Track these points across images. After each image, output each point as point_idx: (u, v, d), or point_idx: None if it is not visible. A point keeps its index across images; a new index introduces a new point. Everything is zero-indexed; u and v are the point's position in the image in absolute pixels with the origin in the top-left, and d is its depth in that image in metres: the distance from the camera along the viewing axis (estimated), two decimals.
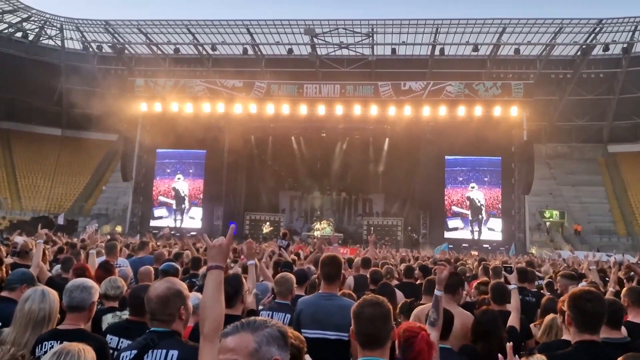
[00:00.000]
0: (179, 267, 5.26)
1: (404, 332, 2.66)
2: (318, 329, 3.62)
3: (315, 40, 38.31)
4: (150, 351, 2.47)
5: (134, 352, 2.51)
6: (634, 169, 40.30)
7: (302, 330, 3.66)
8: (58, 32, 42.76)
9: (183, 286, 2.60)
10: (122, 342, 3.29)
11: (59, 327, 3.00)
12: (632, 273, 6.62)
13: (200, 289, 3.98)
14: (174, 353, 2.46)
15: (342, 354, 3.52)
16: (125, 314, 3.88)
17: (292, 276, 4.64)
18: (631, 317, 4.09)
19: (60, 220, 23.95)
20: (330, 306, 3.69)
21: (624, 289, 4.41)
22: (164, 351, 2.47)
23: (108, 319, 3.83)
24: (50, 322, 2.87)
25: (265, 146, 32.55)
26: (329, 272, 3.89)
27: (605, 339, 3.00)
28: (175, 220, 32.41)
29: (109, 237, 14.35)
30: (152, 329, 2.54)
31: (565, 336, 3.16)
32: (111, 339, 3.33)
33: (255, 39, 39.47)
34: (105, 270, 4.65)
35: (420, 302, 4.86)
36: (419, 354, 2.52)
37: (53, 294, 2.96)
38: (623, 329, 3.85)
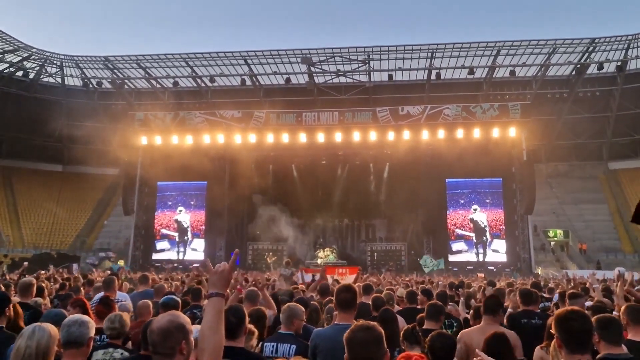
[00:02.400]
0: (179, 299, 5.19)
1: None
2: None
3: (312, 68, 38.76)
4: None
5: None
6: (635, 185, 40.20)
7: None
8: (58, 69, 43.38)
9: (186, 320, 2.53)
10: None
11: None
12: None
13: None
14: None
15: None
16: (119, 352, 3.81)
17: (299, 306, 4.55)
18: (631, 335, 4.03)
19: (75, 270, 23.76)
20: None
21: (622, 308, 4.34)
22: None
23: (98, 355, 3.76)
24: (41, 358, 2.79)
25: (266, 175, 32.60)
26: (345, 299, 3.83)
27: (606, 356, 2.94)
28: (178, 252, 32.28)
29: (109, 272, 14.25)
30: None
31: None
32: None
33: (253, 70, 39.96)
34: (105, 305, 4.60)
35: (424, 327, 4.79)
36: None
37: (46, 329, 2.89)
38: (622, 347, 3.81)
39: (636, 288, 9.97)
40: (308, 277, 10.82)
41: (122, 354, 3.82)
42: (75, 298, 5.07)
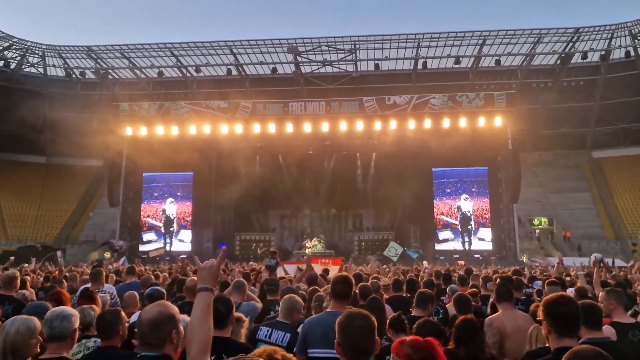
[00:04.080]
0: (164, 290, 5.18)
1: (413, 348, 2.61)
2: (328, 347, 3.53)
3: (298, 58, 38.58)
4: None
5: None
6: (618, 174, 40.83)
7: (310, 350, 3.58)
8: (40, 59, 42.66)
9: (175, 310, 2.53)
10: None
11: (41, 357, 2.93)
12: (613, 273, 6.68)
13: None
14: None
15: None
16: (92, 341, 3.79)
17: (300, 300, 4.57)
18: (616, 317, 4.17)
19: (61, 261, 23.47)
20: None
21: (605, 292, 4.48)
22: None
23: (73, 349, 3.76)
24: (12, 352, 2.76)
25: (252, 165, 32.46)
26: (342, 290, 3.85)
27: (587, 340, 3.00)
28: (164, 243, 32.13)
29: (95, 264, 14.14)
30: (143, 353, 2.43)
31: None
32: None
33: (239, 59, 39.66)
34: (87, 297, 4.58)
35: (412, 314, 4.83)
36: None
37: (16, 322, 2.85)
38: (610, 328, 3.91)
39: (613, 273, 10.15)
40: (292, 269, 10.78)
41: (95, 342, 3.80)
42: (53, 291, 5.05)
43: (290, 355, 1.91)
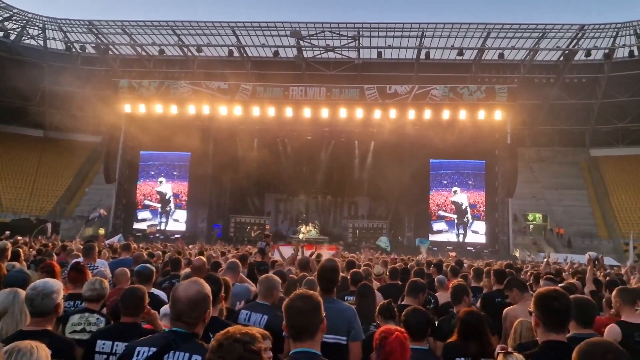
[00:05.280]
0: (154, 269, 5.19)
1: (380, 333, 2.63)
2: None
3: (301, 42, 38.31)
4: (172, 352, 2.39)
5: (154, 349, 2.42)
6: (615, 173, 40.92)
7: None
8: (40, 32, 42.23)
9: (209, 289, 2.58)
10: (117, 346, 3.19)
11: (24, 329, 2.92)
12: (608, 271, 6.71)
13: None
14: (197, 358, 2.38)
15: (339, 358, 3.46)
16: (94, 317, 3.80)
17: (277, 278, 4.56)
18: (624, 317, 4.14)
19: (49, 233, 23.53)
20: (330, 309, 3.63)
21: (614, 291, 4.45)
22: (187, 354, 2.39)
23: (74, 320, 3.75)
24: None
25: (250, 148, 32.38)
26: (330, 278, 3.87)
27: (575, 335, 3.00)
28: (159, 223, 32.15)
29: (87, 239, 14.17)
30: (173, 329, 2.47)
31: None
32: (103, 344, 3.21)
33: (241, 41, 39.36)
34: (77, 271, 4.58)
35: (402, 302, 4.85)
36: (390, 354, 2.50)
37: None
38: (616, 328, 3.90)
39: (608, 271, 10.23)
40: (287, 251, 10.77)
41: (97, 319, 3.81)
42: (45, 263, 5.04)
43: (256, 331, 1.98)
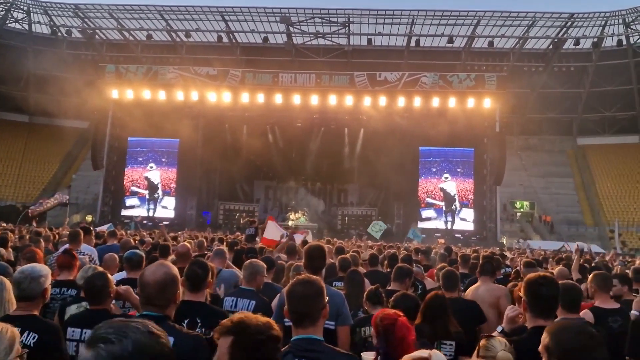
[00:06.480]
0: (143, 254, 5.17)
1: (382, 320, 2.62)
2: None
3: (291, 29, 38.04)
4: None
5: None
6: (601, 162, 41.33)
7: (287, 320, 3.60)
8: (25, 15, 41.45)
9: (177, 271, 2.58)
10: (85, 333, 3.18)
11: (10, 313, 2.90)
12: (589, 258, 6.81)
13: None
14: (170, 340, 2.37)
15: (328, 342, 3.47)
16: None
17: (262, 263, 4.56)
18: (598, 302, 4.16)
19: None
20: None
21: (590, 276, 4.48)
22: None
23: (72, 310, 3.72)
24: None
25: (239, 135, 32.22)
26: (316, 264, 3.88)
27: (562, 320, 3.02)
28: (148, 209, 31.97)
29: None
30: (144, 312, 2.47)
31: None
32: (73, 331, 3.21)
33: (230, 27, 38.96)
34: (67, 255, 4.56)
35: (389, 288, 4.87)
36: (402, 340, 2.50)
37: None
38: (588, 313, 3.93)
39: (596, 260, 10.37)
40: (272, 228, 10.64)
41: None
42: (27, 250, 5.01)
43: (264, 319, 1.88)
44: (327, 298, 2.47)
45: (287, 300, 2.43)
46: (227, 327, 1.72)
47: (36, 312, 2.99)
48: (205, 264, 3.55)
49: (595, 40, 39.29)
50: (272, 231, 10.41)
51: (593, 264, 8.24)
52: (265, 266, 4.55)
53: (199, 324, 3.17)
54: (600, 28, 38.39)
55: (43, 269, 3.12)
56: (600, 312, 4.00)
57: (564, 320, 2.93)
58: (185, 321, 3.17)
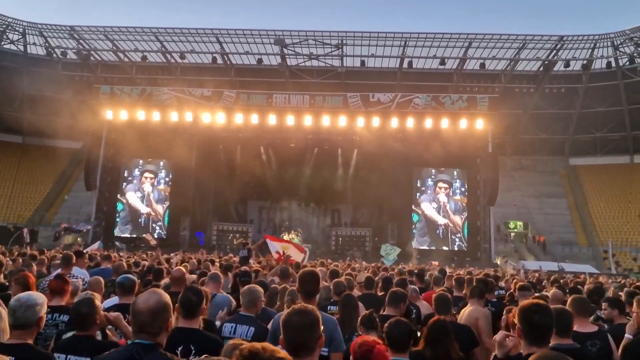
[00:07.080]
0: (135, 279, 5.13)
1: (360, 346, 2.63)
2: None
3: (285, 50, 38.38)
4: None
5: None
6: (593, 182, 41.63)
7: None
8: (20, 36, 41.65)
9: (169, 299, 2.58)
10: (69, 359, 3.17)
11: (4, 341, 2.88)
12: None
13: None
14: None
15: None
16: None
17: (260, 289, 4.55)
18: (576, 327, 4.13)
19: (27, 239, 23.19)
20: None
21: (568, 301, 4.47)
22: None
23: (68, 336, 3.69)
24: None
25: (233, 155, 32.24)
26: (310, 289, 3.87)
27: (555, 346, 3.03)
28: (141, 230, 31.69)
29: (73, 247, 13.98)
30: (136, 340, 2.46)
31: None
32: (58, 357, 3.18)
33: (224, 48, 39.30)
34: (60, 280, 4.53)
35: (383, 313, 4.86)
36: None
37: None
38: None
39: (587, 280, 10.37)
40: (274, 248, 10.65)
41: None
42: (19, 275, 4.97)
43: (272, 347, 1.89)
44: (323, 327, 2.46)
45: (282, 331, 2.41)
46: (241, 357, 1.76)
47: (30, 341, 2.97)
48: (199, 290, 3.54)
49: (585, 62, 39.90)
50: (275, 248, 10.46)
51: (587, 285, 8.25)
52: (263, 291, 4.54)
53: (193, 352, 3.15)
54: (590, 50, 39.02)
55: (39, 297, 3.11)
56: (579, 337, 3.97)
57: (547, 350, 2.94)
58: (179, 348, 3.15)
